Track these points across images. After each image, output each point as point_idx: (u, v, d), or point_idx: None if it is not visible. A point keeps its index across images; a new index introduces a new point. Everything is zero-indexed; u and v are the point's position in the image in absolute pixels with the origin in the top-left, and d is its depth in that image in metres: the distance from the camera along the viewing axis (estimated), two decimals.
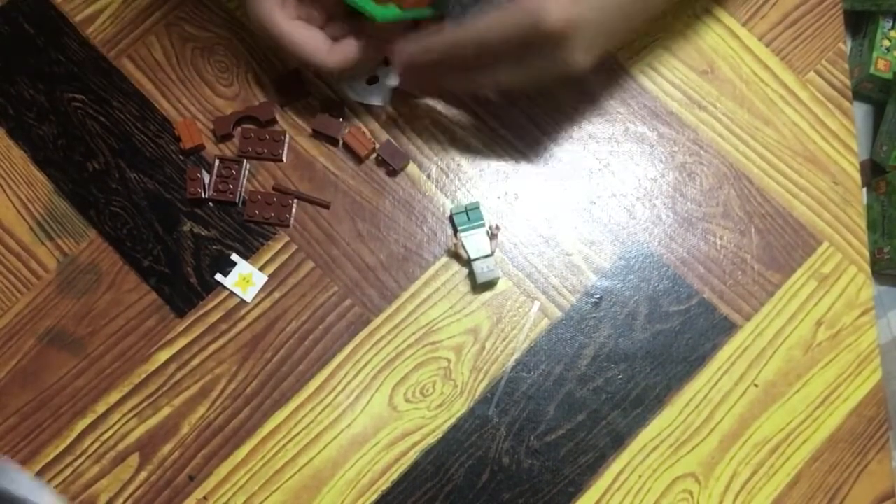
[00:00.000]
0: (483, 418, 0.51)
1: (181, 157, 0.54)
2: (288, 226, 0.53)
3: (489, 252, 0.51)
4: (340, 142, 0.54)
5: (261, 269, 0.52)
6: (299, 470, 0.50)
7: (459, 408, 0.51)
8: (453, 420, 0.51)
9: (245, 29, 0.56)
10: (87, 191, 0.54)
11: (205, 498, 0.49)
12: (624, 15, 0.45)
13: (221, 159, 0.53)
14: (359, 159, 0.54)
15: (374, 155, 0.54)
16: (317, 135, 0.54)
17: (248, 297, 0.52)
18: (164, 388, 0.51)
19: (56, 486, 0.49)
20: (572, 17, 0.41)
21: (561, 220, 0.54)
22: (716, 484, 0.50)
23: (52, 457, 0.50)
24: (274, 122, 0.54)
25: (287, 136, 0.54)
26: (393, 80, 0.54)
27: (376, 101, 0.54)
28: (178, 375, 0.51)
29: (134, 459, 0.50)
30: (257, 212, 0.53)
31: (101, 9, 0.57)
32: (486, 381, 0.51)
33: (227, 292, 0.52)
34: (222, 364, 0.51)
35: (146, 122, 0.55)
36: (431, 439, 0.50)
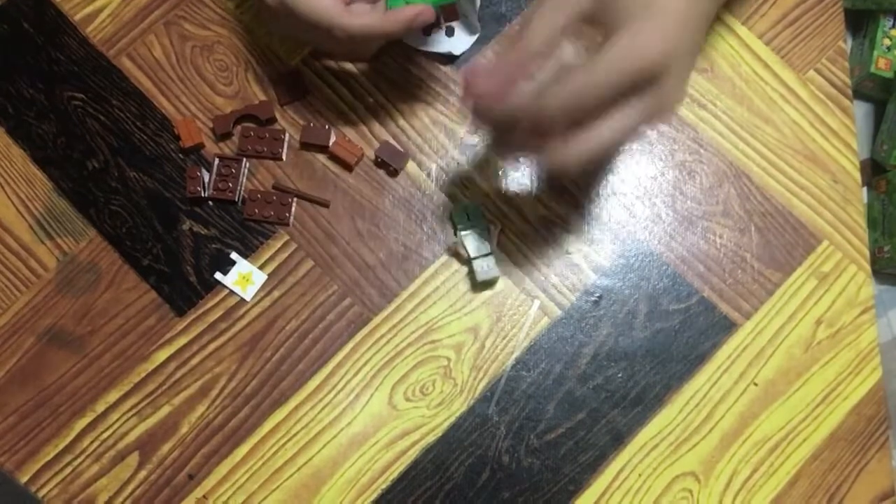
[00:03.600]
0: (483, 417, 0.51)
1: (181, 155, 0.54)
2: (287, 224, 0.53)
3: (489, 251, 0.51)
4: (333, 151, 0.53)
5: (260, 267, 0.52)
6: (299, 469, 0.50)
7: (459, 406, 0.51)
8: (453, 419, 0.50)
9: (245, 27, 0.56)
10: (86, 189, 0.54)
11: (204, 497, 0.49)
12: (701, 31, 0.42)
13: (221, 158, 0.53)
14: (349, 167, 0.54)
15: (363, 159, 0.54)
16: (306, 145, 0.54)
17: (248, 296, 0.52)
18: (164, 387, 0.51)
19: (55, 486, 0.49)
20: (668, 46, 0.38)
21: (561, 219, 0.54)
22: (716, 482, 0.50)
23: (51, 456, 0.50)
24: (273, 120, 0.54)
25: (286, 134, 0.54)
26: None
27: (465, 40, 0.55)
28: (178, 374, 0.51)
29: (133, 458, 0.50)
30: (257, 210, 0.53)
31: (100, 7, 0.56)
32: (486, 379, 0.51)
33: (226, 291, 0.52)
34: (222, 363, 0.51)
35: (146, 120, 0.55)
36: (431, 438, 0.50)
